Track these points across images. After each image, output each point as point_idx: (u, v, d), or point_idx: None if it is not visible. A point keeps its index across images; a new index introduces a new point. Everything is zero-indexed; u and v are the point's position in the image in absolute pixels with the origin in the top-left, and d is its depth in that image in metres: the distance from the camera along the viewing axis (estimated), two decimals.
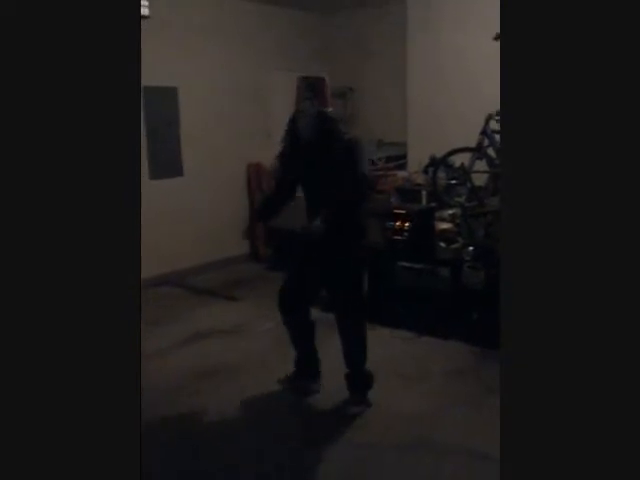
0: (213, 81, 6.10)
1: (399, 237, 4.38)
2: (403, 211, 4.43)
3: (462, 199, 4.53)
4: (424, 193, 4.74)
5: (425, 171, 5.08)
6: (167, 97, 5.81)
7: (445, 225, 4.45)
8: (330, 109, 3.13)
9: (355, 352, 3.26)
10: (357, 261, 3.20)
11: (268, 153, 5.40)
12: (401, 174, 5.64)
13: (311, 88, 3.08)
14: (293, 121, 3.13)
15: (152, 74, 5.61)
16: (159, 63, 5.65)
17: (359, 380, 3.29)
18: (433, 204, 4.61)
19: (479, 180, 4.69)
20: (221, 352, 4.16)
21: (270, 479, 2.73)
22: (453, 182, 4.66)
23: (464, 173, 4.61)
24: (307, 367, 3.45)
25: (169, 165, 5.96)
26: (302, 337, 3.38)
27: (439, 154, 4.77)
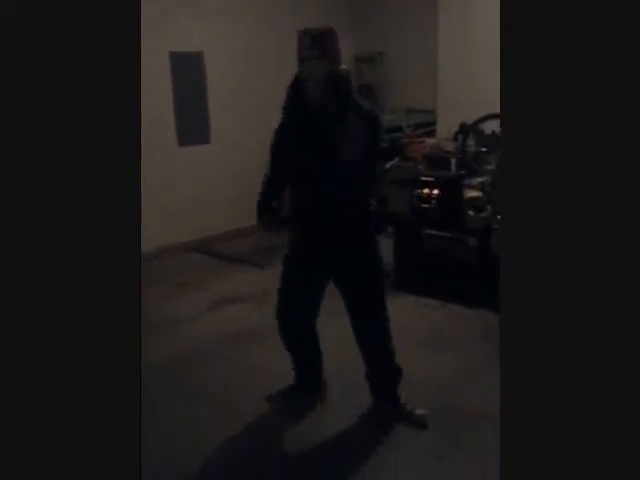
0: (237, 45, 6.04)
1: (427, 205, 4.34)
2: (431, 179, 4.38)
3: (492, 167, 4.44)
4: (453, 161, 4.66)
5: (455, 138, 4.98)
6: (193, 62, 5.78)
7: (474, 193, 4.37)
8: (344, 67, 2.49)
9: (380, 357, 2.82)
10: (373, 251, 2.69)
11: None
12: (430, 141, 5.54)
13: (317, 43, 2.38)
14: (296, 86, 2.49)
15: (177, 39, 5.60)
16: (184, 28, 5.62)
17: (391, 382, 2.88)
18: (462, 172, 4.53)
19: None
20: (247, 318, 4.20)
21: (290, 434, 2.79)
22: (483, 150, 4.57)
23: (495, 141, 4.51)
24: (307, 377, 3.05)
25: (197, 132, 5.96)
26: (306, 350, 2.98)
27: (469, 121, 4.68)
